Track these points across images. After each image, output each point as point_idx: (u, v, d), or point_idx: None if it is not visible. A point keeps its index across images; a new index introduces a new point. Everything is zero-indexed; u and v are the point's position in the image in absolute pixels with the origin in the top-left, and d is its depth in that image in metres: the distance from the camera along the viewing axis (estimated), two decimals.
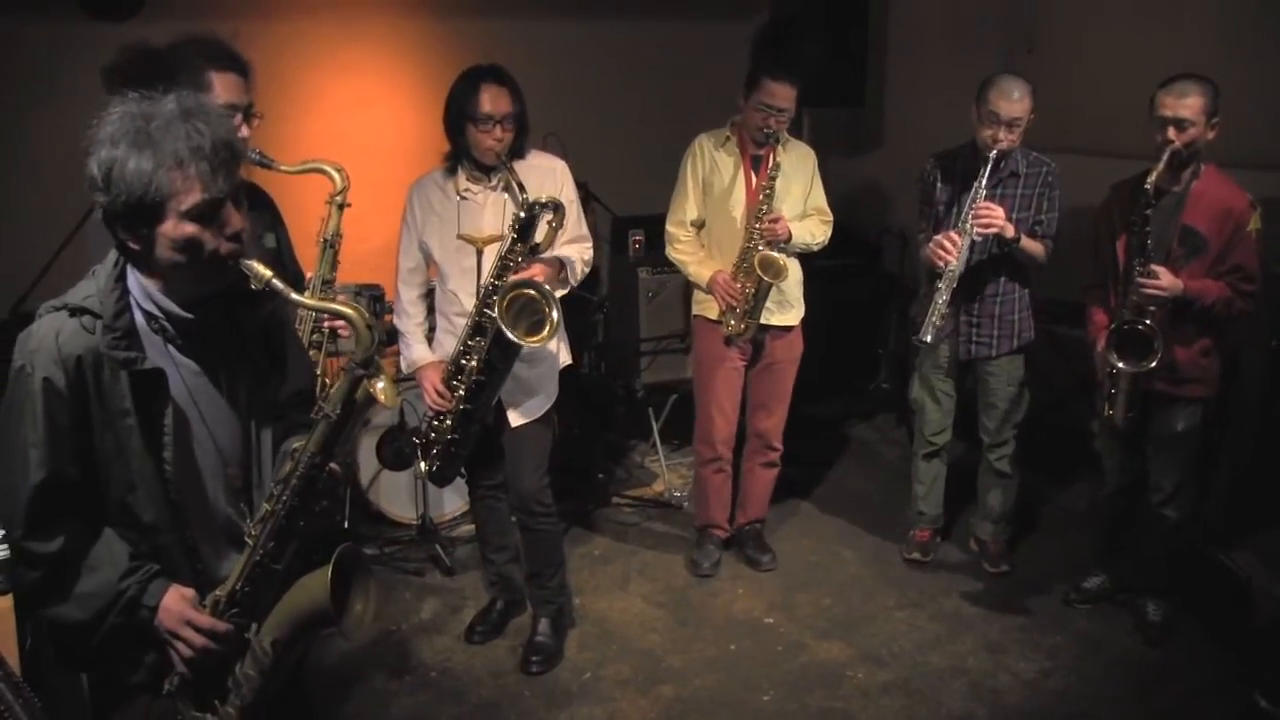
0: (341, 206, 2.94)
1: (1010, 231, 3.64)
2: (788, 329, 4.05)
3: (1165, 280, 3.26)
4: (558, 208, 3.08)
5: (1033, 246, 3.75)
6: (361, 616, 1.92)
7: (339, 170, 2.91)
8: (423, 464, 3.34)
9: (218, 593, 1.87)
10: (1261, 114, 4.00)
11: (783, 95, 3.74)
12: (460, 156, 3.28)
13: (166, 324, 1.82)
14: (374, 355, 1.84)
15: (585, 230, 3.46)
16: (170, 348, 1.83)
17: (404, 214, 3.39)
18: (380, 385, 1.83)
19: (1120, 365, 3.32)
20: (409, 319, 3.44)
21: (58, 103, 4.17)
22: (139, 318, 1.80)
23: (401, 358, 3.53)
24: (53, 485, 1.75)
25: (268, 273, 1.76)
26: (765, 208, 3.78)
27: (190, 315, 1.82)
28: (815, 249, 4.00)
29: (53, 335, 1.74)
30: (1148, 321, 3.26)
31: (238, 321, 1.92)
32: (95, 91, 2.68)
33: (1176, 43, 4.32)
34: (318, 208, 3.02)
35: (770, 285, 3.81)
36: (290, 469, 1.85)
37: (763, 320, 3.93)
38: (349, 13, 5.04)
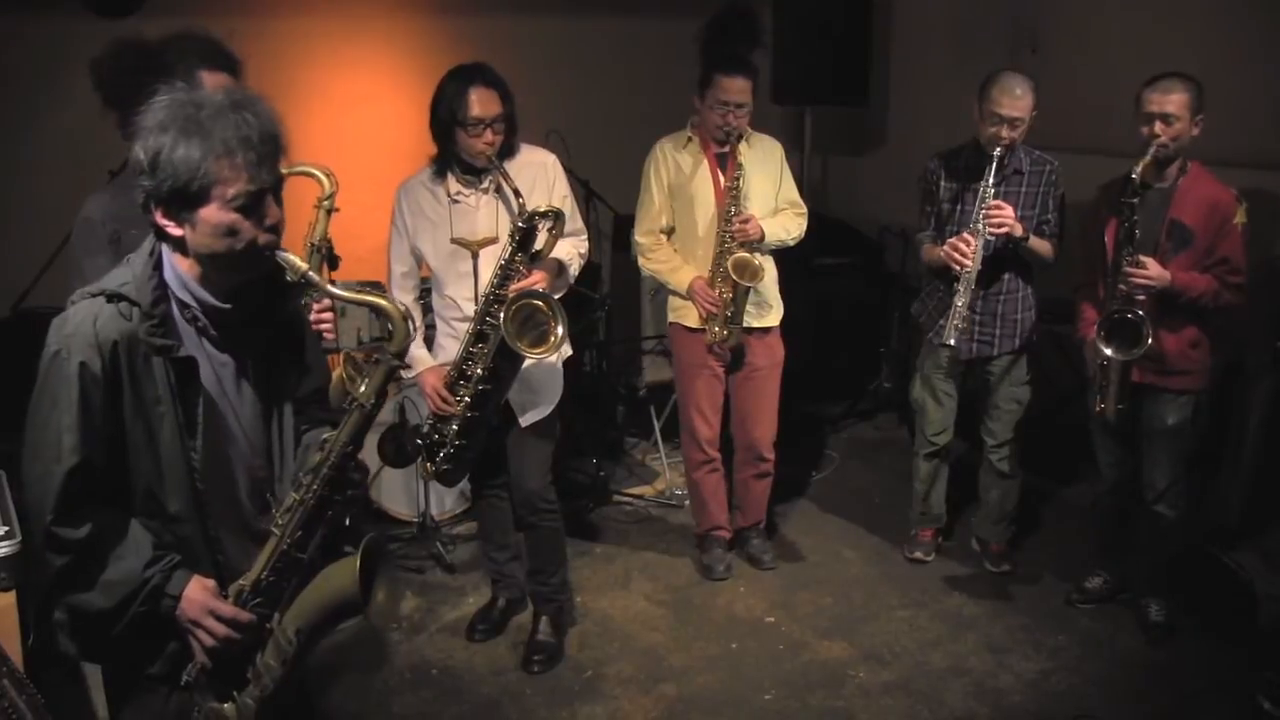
0: (330, 211, 2.90)
1: (1019, 230, 3.63)
2: (766, 330, 4.00)
3: (1153, 270, 3.30)
4: (558, 216, 3.06)
5: (1041, 246, 3.74)
6: (385, 606, 1.94)
7: (328, 174, 2.86)
8: (429, 465, 3.33)
9: (241, 582, 1.88)
10: (1266, 113, 3.98)
11: (738, 89, 3.69)
12: (449, 159, 3.24)
13: (200, 314, 1.84)
14: (408, 346, 1.89)
15: (580, 224, 3.44)
16: (201, 338, 1.85)
17: (392, 218, 3.36)
18: (362, 390, 1.87)
19: (1108, 352, 3.35)
20: None
21: (59, 99, 4.17)
22: (173, 306, 1.82)
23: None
24: (84, 471, 1.74)
25: (304, 264, 1.79)
26: (733, 209, 3.74)
27: (227, 305, 1.84)
28: (791, 243, 3.95)
29: (90, 320, 1.74)
30: (1138, 311, 3.29)
31: (267, 315, 1.94)
32: None
33: (1179, 42, 4.31)
34: (305, 210, 2.98)
35: (748, 288, 3.76)
36: (321, 459, 1.87)
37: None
38: (349, 10, 5.03)
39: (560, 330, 3.06)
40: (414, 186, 3.32)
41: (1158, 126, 3.30)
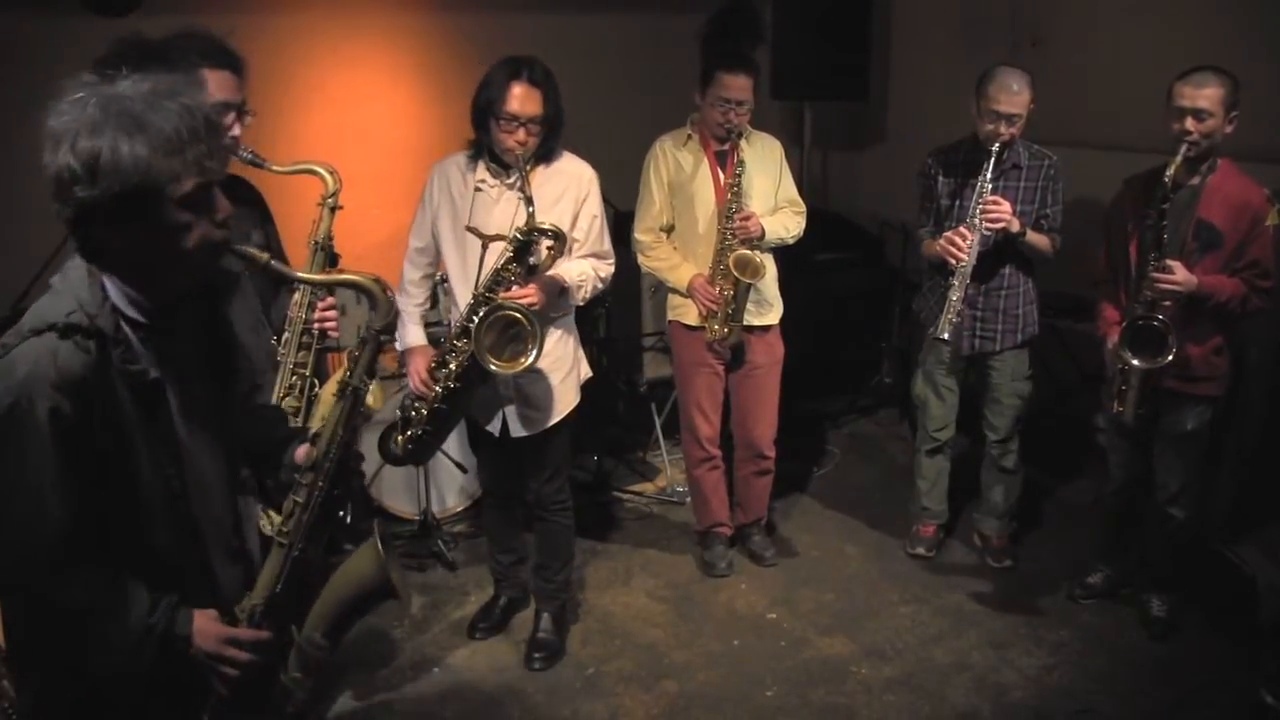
0: (333, 209, 2.91)
1: (1016, 226, 3.62)
2: (766, 329, 3.99)
3: (1180, 275, 3.21)
4: (558, 236, 3.01)
5: (1039, 240, 3.72)
6: (401, 589, 1.91)
7: (331, 172, 2.87)
8: (399, 437, 3.29)
9: (253, 601, 1.79)
10: (1272, 106, 3.96)
11: (739, 87, 3.68)
12: (482, 148, 3.21)
13: (152, 329, 1.68)
14: (394, 320, 1.83)
15: (607, 246, 3.39)
16: (155, 355, 1.69)
17: (423, 192, 3.34)
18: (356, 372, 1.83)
19: (1134, 362, 3.28)
20: (409, 299, 3.41)
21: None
22: (126, 328, 1.66)
23: (397, 337, 3.51)
24: (72, 528, 1.57)
25: (264, 255, 1.71)
26: (734, 206, 3.72)
27: (170, 314, 1.70)
28: (791, 241, 3.93)
29: (48, 360, 1.54)
30: (1161, 317, 3.22)
31: (208, 319, 1.84)
32: None
33: (1182, 36, 4.30)
34: (310, 208, 2.98)
35: (749, 285, 3.74)
36: (322, 453, 1.79)
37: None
38: (349, 7, 5.02)
39: (534, 354, 2.99)
40: (448, 165, 3.29)
41: (1189, 122, 3.18)
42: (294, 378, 2.69)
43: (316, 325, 2.86)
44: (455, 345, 3.12)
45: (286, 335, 2.72)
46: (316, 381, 2.77)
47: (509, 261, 3.03)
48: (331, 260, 3.17)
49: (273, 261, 1.72)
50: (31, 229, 4.10)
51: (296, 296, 2.74)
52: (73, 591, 1.61)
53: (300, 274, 1.80)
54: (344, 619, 1.87)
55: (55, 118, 1.54)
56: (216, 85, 2.54)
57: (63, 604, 1.61)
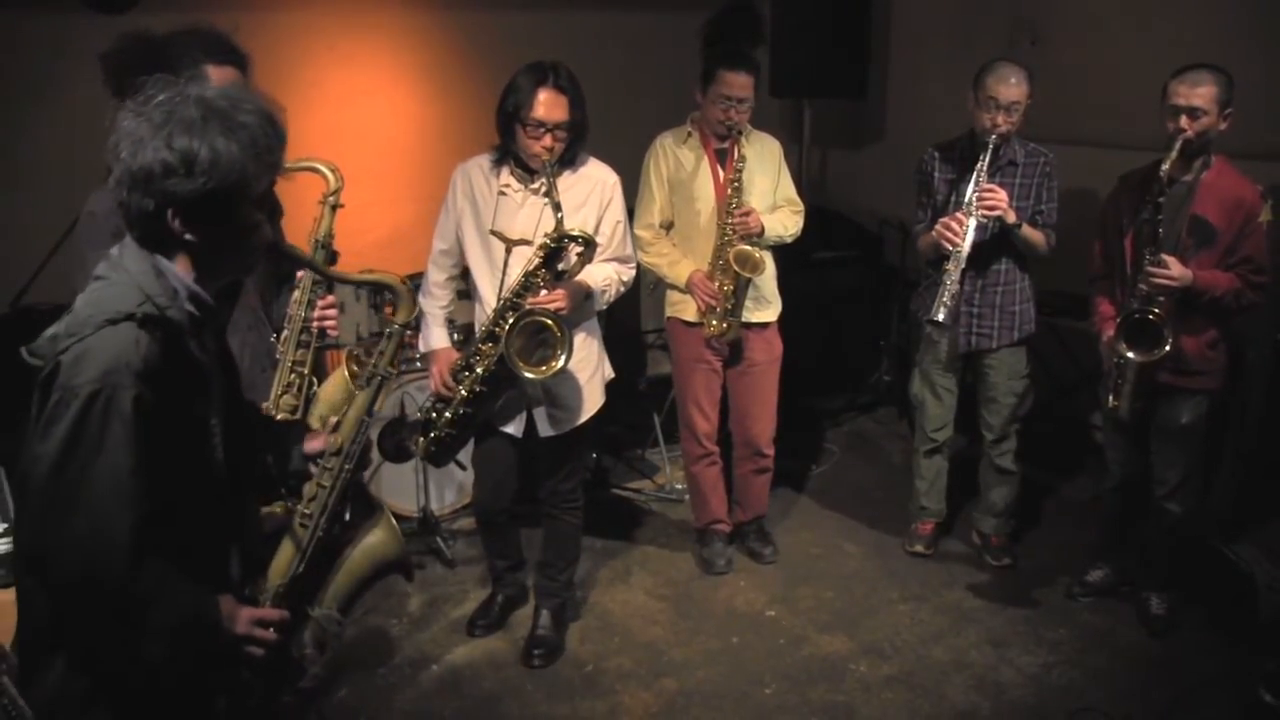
0: (335, 207, 2.90)
1: (1012, 216, 3.63)
2: (765, 326, 3.99)
3: (1175, 270, 3.23)
4: (589, 242, 3.01)
5: (1034, 235, 3.73)
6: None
7: (333, 170, 2.86)
8: (420, 439, 3.31)
9: (277, 583, 1.86)
10: (1270, 105, 3.96)
11: (740, 85, 3.69)
12: (507, 153, 3.20)
13: (202, 320, 1.75)
14: (416, 316, 1.94)
15: (629, 250, 3.41)
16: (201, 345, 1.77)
17: (446, 195, 3.34)
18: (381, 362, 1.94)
19: (1130, 355, 3.30)
20: (433, 301, 3.41)
21: (57, 95, 4.16)
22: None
23: (420, 338, 3.52)
24: (148, 516, 1.60)
25: (308, 253, 1.87)
26: (735, 202, 3.72)
27: (217, 308, 1.79)
28: (789, 240, 3.94)
29: (132, 349, 1.58)
30: (1156, 311, 3.24)
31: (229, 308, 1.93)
32: (95, 85, 2.68)
33: (1181, 34, 4.30)
34: (310, 206, 2.98)
35: (749, 281, 3.75)
36: (348, 437, 1.86)
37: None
38: (348, 4, 5.02)
39: (562, 360, 3.03)
40: (472, 168, 3.29)
41: (1183, 121, 3.21)
42: (293, 375, 2.68)
43: (316, 323, 2.86)
44: (481, 349, 3.13)
45: (285, 333, 2.71)
46: (315, 380, 2.77)
47: (538, 267, 3.03)
48: (331, 258, 3.17)
49: (313, 259, 1.86)
50: (32, 226, 4.12)
51: (296, 294, 2.74)
52: (142, 582, 1.61)
53: (336, 272, 1.90)
54: (357, 593, 1.94)
55: (134, 118, 1.61)
56: (221, 82, 2.54)
57: (131, 595, 1.61)
